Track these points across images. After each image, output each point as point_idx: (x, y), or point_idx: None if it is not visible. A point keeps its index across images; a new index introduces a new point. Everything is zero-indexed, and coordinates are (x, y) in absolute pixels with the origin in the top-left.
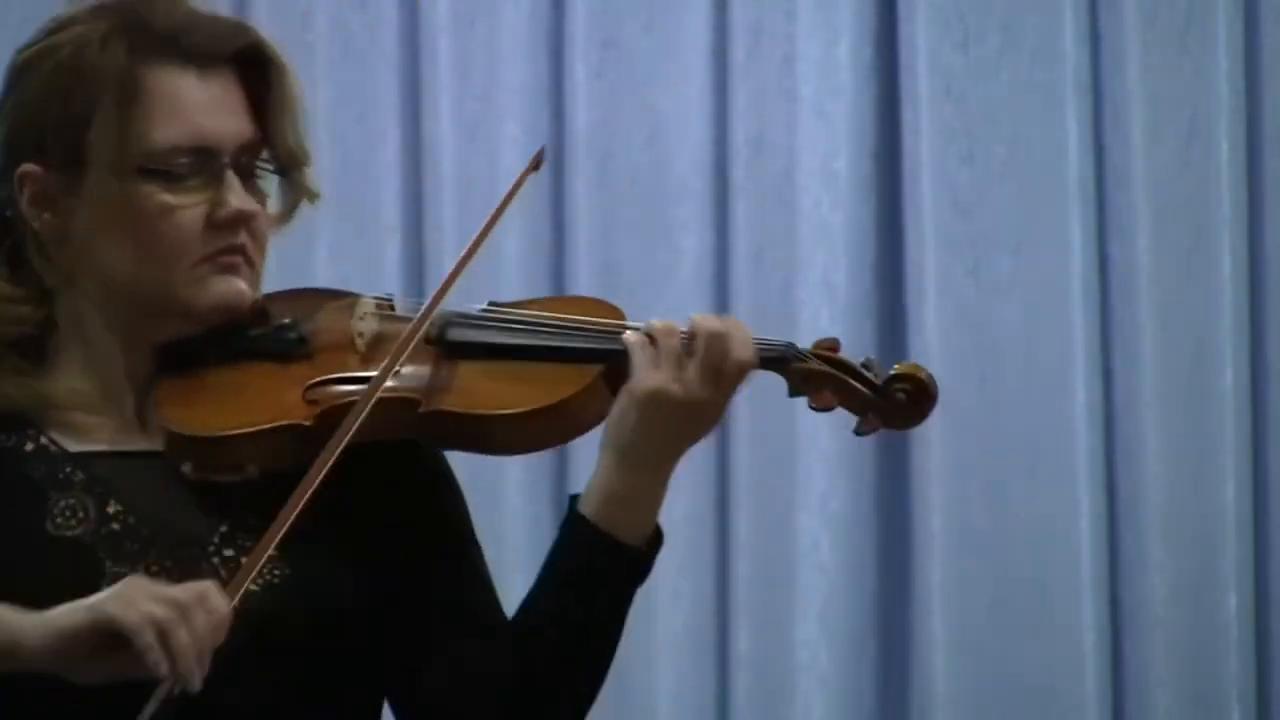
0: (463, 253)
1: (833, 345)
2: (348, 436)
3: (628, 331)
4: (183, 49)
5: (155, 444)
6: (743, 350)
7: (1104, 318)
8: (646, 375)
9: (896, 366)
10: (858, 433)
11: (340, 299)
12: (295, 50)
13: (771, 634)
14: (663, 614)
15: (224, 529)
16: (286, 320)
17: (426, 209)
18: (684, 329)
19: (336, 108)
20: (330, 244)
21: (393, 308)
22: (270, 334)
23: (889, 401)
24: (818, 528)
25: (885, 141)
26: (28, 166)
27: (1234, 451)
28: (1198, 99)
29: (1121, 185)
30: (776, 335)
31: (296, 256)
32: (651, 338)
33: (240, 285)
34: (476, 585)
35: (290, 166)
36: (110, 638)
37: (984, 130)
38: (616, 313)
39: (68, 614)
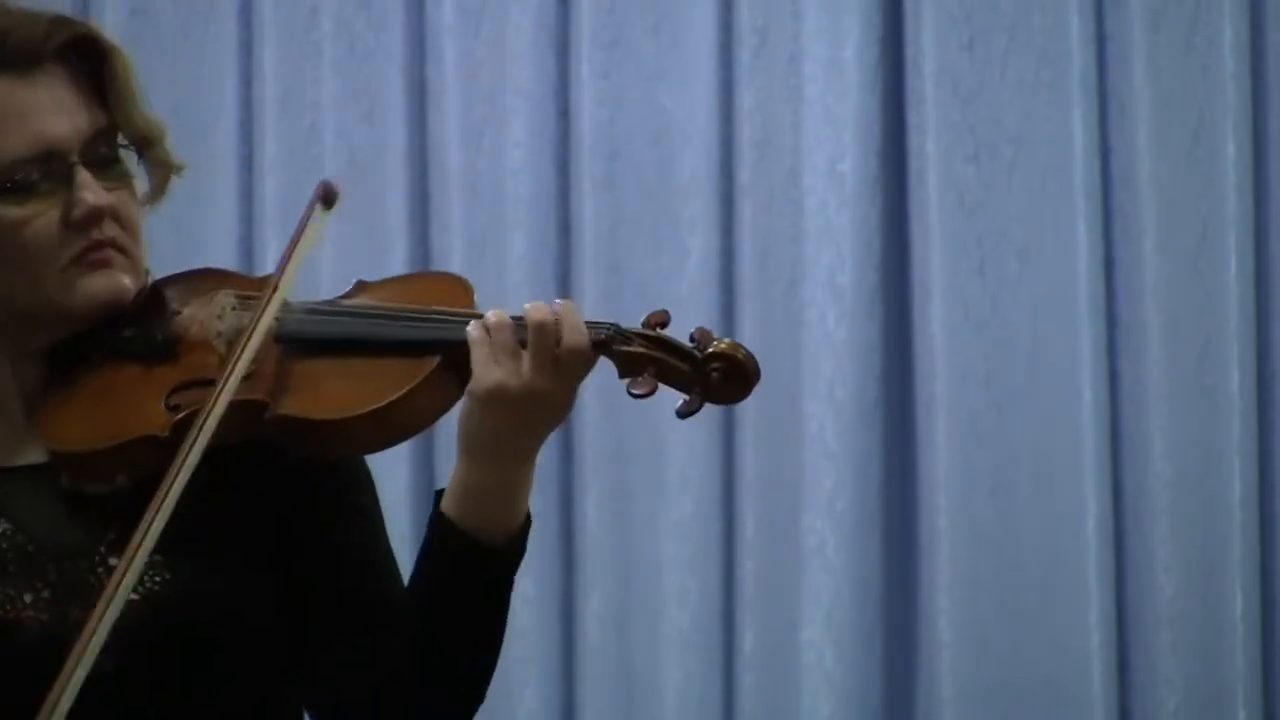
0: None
1: (661, 319)
2: (193, 453)
3: (471, 324)
4: (15, 56)
5: (43, 454)
6: (574, 336)
7: (1110, 318)
8: (485, 372)
9: (714, 344)
10: (679, 413)
11: (215, 285)
12: (301, 50)
13: (777, 633)
14: (669, 612)
15: (111, 536)
16: (164, 316)
17: (433, 210)
18: (519, 318)
19: (343, 108)
20: (337, 245)
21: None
22: (139, 334)
23: (705, 382)
24: (824, 527)
25: (891, 142)
26: None
27: (1240, 452)
28: (1204, 100)
29: (1128, 186)
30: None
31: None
32: (488, 331)
33: (118, 278)
34: (366, 571)
35: (143, 146)
36: None
37: (990, 131)
38: (466, 289)
39: None
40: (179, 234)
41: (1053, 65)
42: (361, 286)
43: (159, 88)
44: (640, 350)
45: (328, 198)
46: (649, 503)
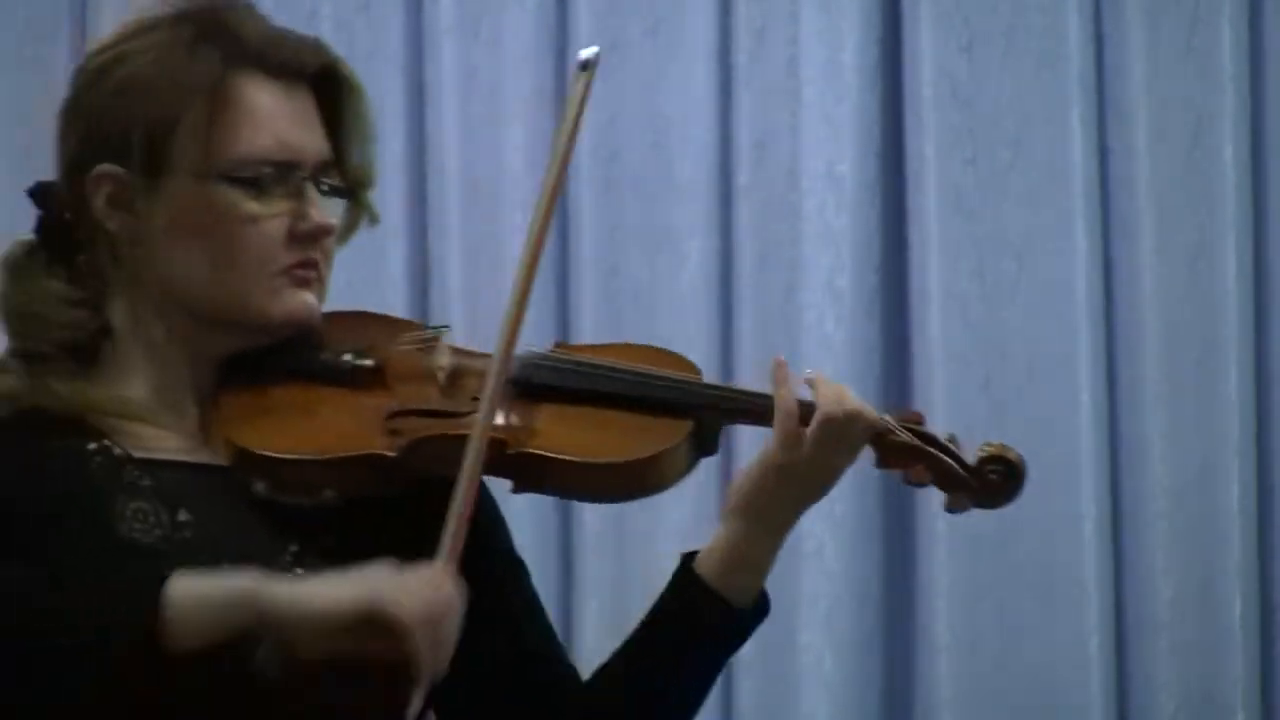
0: (525, 263)
1: (918, 419)
2: (474, 475)
3: (779, 398)
4: (271, 62)
5: (218, 458)
6: (872, 420)
7: (1108, 320)
8: (788, 452)
9: (986, 447)
10: (949, 510)
11: (408, 329)
12: None
13: (776, 638)
14: None
15: (294, 549)
16: (358, 346)
17: (431, 212)
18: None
19: None
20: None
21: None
22: (343, 359)
23: (982, 482)
24: (823, 532)
25: (889, 144)
26: (107, 167)
27: (1238, 454)
28: (1202, 101)
29: (1126, 188)
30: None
31: None
32: (800, 410)
33: (313, 300)
34: (528, 611)
35: (357, 188)
36: (368, 623)
37: (988, 133)
38: (694, 367)
39: (328, 593)
40: None
41: (1051, 67)
42: (563, 348)
43: None
44: (913, 443)
45: (585, 64)
46: (647, 509)
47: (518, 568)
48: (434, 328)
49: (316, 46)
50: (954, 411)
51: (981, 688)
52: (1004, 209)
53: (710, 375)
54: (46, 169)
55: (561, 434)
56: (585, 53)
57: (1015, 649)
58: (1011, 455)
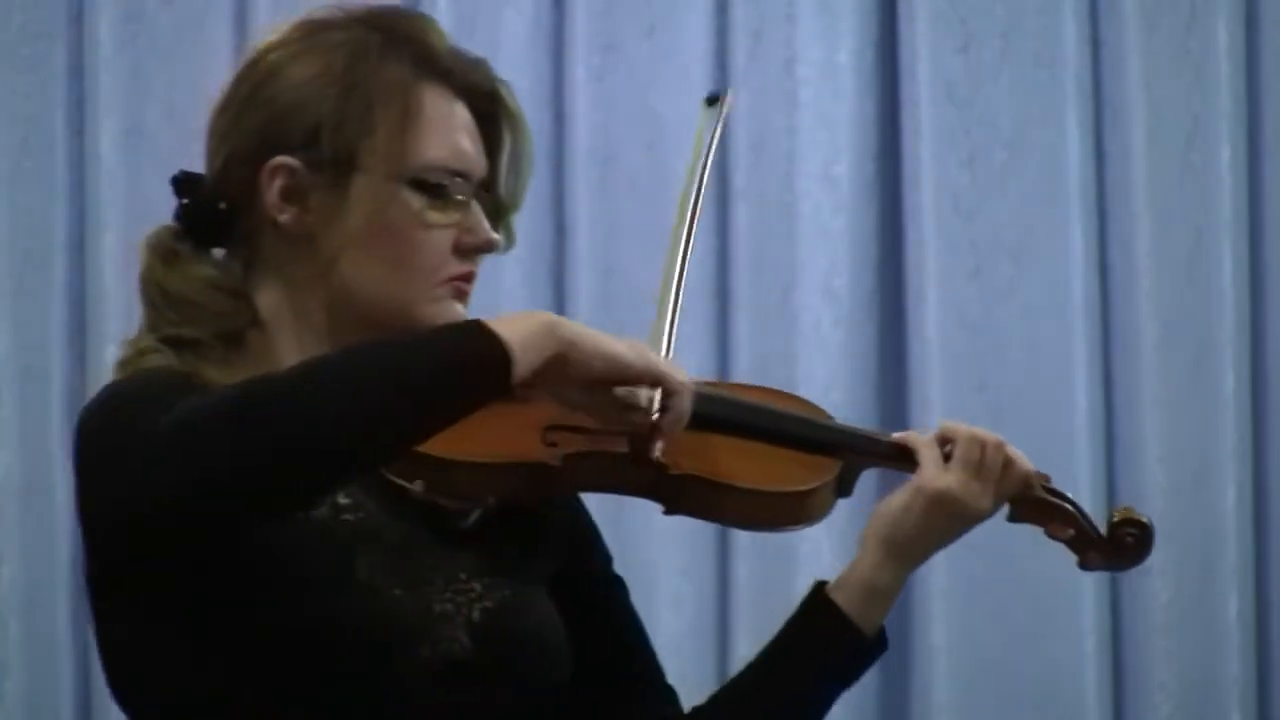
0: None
1: (1047, 478)
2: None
3: (904, 434)
4: (454, 77)
5: None
6: (1024, 467)
7: (1104, 322)
8: (939, 475)
9: (1118, 512)
10: (1084, 568)
11: None
12: None
13: None
14: (664, 618)
15: (448, 548)
16: None
17: None
18: (966, 437)
19: None
20: None
21: None
22: None
23: (1116, 544)
24: (819, 534)
25: (886, 145)
26: (284, 159)
27: (1235, 456)
28: (1198, 103)
29: (1122, 189)
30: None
31: None
32: (945, 441)
33: (464, 313)
34: (632, 631)
35: (503, 213)
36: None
37: (985, 134)
38: (818, 408)
39: (617, 344)
40: None
41: (1047, 69)
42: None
43: (155, 93)
44: (1052, 500)
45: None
46: (643, 507)
47: (619, 586)
48: None
49: (487, 69)
50: (951, 413)
51: (979, 688)
52: (1000, 210)
53: (708, 376)
54: (46, 168)
55: (725, 461)
56: (714, 91)
57: (1012, 650)
58: (1144, 518)
